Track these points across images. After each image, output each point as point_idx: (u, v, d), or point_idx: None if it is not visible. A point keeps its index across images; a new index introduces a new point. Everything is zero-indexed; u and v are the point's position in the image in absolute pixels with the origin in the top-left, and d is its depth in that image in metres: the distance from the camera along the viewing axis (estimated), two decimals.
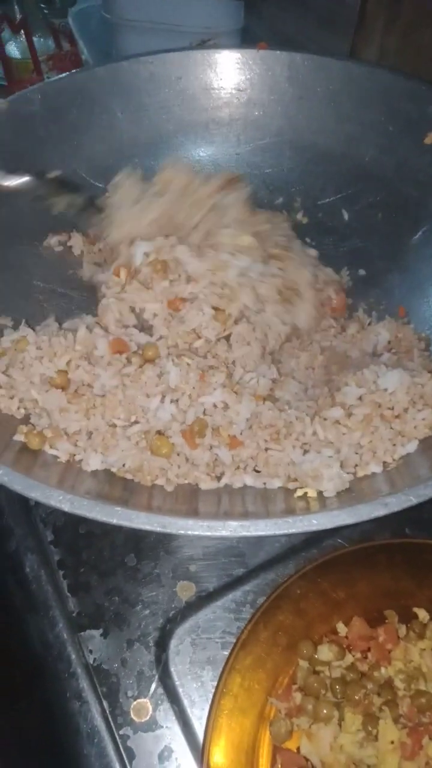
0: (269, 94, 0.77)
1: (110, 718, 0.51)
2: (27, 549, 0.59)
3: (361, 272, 0.72)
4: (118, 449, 0.51)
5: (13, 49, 1.11)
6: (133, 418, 0.52)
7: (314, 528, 0.41)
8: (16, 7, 1.11)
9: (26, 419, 0.53)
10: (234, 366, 0.57)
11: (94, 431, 0.52)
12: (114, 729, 0.50)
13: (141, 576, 0.57)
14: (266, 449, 0.52)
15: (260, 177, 0.78)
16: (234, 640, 0.50)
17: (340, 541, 0.59)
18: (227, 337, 0.59)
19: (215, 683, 0.49)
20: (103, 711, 0.51)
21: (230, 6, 1.02)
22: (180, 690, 0.51)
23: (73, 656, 0.53)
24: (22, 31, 1.07)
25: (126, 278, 0.61)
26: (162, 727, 0.51)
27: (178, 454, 0.52)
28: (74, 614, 0.56)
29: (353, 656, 0.50)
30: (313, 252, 0.70)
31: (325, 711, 0.46)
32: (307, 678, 0.49)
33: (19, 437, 0.50)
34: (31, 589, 0.56)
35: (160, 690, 0.52)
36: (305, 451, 0.52)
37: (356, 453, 0.52)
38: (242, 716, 0.47)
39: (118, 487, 0.49)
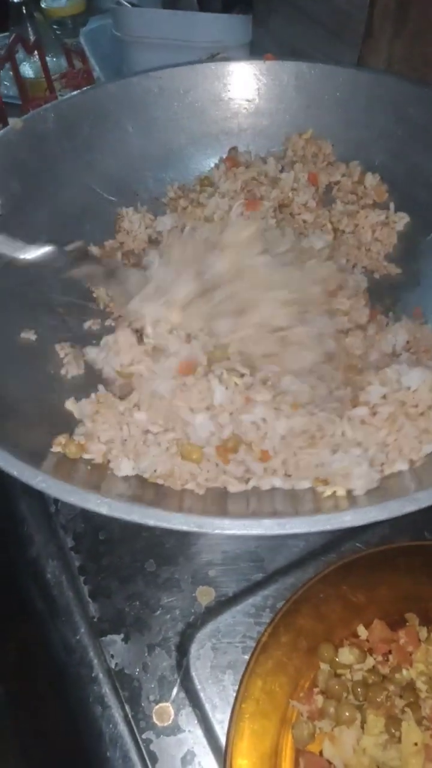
0: (277, 103, 0.78)
1: (133, 723, 0.51)
2: (48, 556, 0.59)
3: (376, 275, 0.72)
4: (149, 455, 0.52)
5: (27, 70, 1.14)
6: (170, 426, 0.53)
7: (347, 525, 0.41)
8: (29, 29, 1.14)
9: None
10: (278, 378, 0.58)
11: (128, 438, 0.53)
12: (137, 733, 0.51)
13: (161, 581, 0.58)
14: (296, 454, 0.52)
15: None
16: (254, 644, 0.50)
17: (358, 545, 0.58)
18: None
19: (236, 687, 0.49)
20: (126, 715, 0.51)
21: (238, 20, 1.04)
22: (201, 694, 0.51)
23: (95, 661, 0.53)
24: (36, 52, 1.10)
25: None
26: (184, 731, 0.51)
27: (208, 460, 0.52)
28: (95, 619, 0.56)
29: (374, 659, 0.50)
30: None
31: (347, 713, 0.46)
32: (328, 681, 0.49)
33: (56, 448, 0.51)
34: (52, 595, 0.57)
35: (182, 694, 0.52)
36: (334, 452, 0.52)
37: (382, 452, 0.52)
38: (264, 720, 0.47)
39: (150, 491, 0.50)
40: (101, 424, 0.54)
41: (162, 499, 0.49)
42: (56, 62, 1.16)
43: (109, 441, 0.53)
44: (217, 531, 0.41)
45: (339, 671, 0.49)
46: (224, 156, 0.79)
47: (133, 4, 1.04)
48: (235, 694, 0.48)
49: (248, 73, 0.78)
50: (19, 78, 1.05)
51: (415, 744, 0.44)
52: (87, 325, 0.67)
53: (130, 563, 0.59)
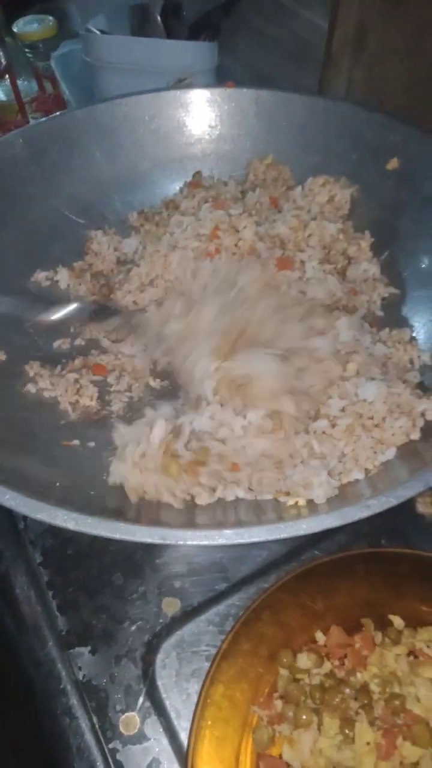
0: (238, 129, 0.82)
1: (99, 733, 0.52)
2: (17, 571, 0.61)
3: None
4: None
5: None
6: None
7: (303, 532, 0.44)
8: (1, 53, 1.16)
9: None
10: None
11: None
12: (104, 743, 0.52)
13: (128, 594, 0.59)
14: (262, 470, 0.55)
15: None
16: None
17: (317, 553, 0.61)
18: None
19: None
20: (93, 726, 0.53)
21: (205, 47, 1.07)
22: (167, 702, 0.53)
23: (63, 673, 0.55)
24: (7, 76, 1.13)
25: None
26: (150, 739, 0.52)
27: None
28: (63, 633, 0.57)
29: (331, 663, 0.52)
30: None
31: (304, 717, 0.48)
32: (287, 686, 0.50)
33: None
34: (21, 610, 0.58)
35: (148, 703, 0.54)
36: (294, 465, 0.55)
37: (340, 461, 0.55)
38: (226, 725, 0.49)
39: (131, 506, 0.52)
40: None
41: (140, 513, 0.51)
42: (27, 85, 1.19)
43: None
44: (180, 542, 0.44)
45: (298, 676, 0.51)
46: (188, 180, 0.81)
47: (102, 31, 1.07)
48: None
49: (210, 100, 0.81)
50: None
51: (368, 743, 0.46)
52: (57, 344, 0.69)
53: (98, 576, 0.60)
